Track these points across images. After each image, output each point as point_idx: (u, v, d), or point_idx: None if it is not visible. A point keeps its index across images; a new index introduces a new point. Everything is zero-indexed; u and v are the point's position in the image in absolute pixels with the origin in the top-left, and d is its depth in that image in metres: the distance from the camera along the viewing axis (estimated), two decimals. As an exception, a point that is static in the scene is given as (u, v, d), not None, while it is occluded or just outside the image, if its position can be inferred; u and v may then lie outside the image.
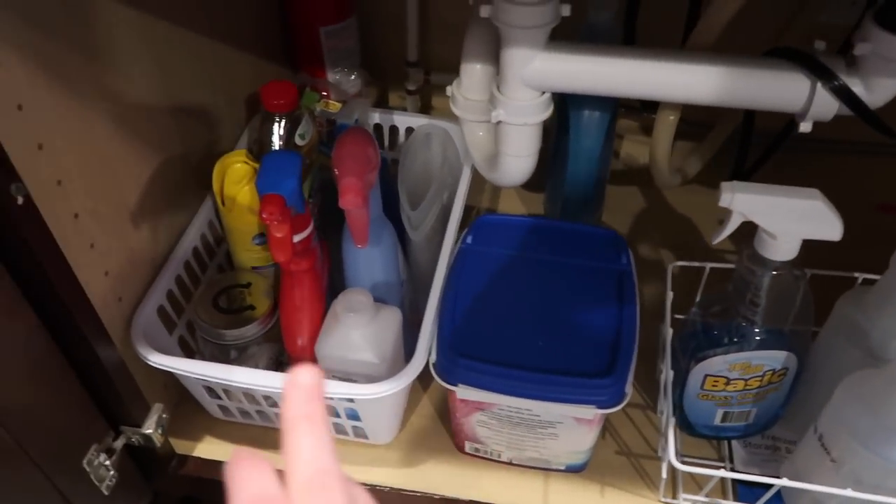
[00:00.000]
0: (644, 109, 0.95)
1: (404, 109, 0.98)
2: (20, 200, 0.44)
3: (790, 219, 0.53)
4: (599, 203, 0.85)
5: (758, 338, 0.60)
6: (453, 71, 0.95)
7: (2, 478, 0.51)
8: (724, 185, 0.53)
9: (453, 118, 0.79)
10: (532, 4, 0.55)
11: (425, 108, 1.01)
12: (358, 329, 0.61)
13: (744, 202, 0.53)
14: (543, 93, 0.61)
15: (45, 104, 0.49)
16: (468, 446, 0.68)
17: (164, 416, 0.64)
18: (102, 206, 0.57)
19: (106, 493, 0.61)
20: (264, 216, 0.54)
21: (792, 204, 0.53)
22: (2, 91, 0.44)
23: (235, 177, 0.66)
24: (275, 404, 0.65)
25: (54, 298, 0.49)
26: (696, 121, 0.84)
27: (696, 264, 0.67)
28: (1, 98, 0.44)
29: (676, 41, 0.84)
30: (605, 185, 0.83)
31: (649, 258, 0.86)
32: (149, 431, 0.63)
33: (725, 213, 0.55)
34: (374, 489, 0.67)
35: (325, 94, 0.81)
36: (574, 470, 0.67)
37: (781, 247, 0.54)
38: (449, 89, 0.70)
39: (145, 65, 0.61)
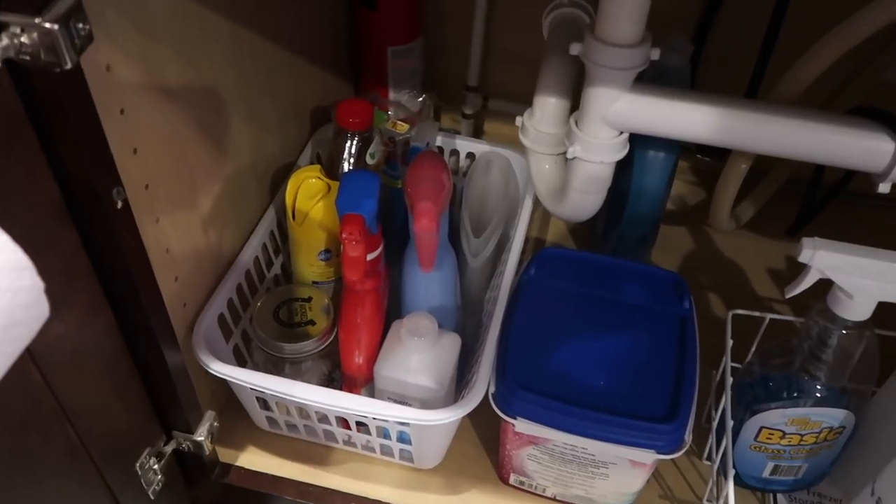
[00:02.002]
0: (699, 152, 0.95)
1: (457, 132, 0.98)
2: (119, 205, 0.44)
3: (869, 279, 0.53)
4: (653, 242, 0.85)
5: (818, 394, 0.59)
6: (511, 98, 0.96)
7: (62, 474, 0.51)
8: (805, 240, 0.53)
9: (511, 145, 0.80)
10: (625, 47, 0.55)
11: (478, 133, 1.02)
12: (419, 353, 0.61)
13: (824, 259, 0.53)
14: (621, 133, 0.62)
15: (143, 108, 0.49)
16: (513, 478, 0.67)
17: (215, 424, 0.64)
18: (180, 212, 0.57)
19: (152, 497, 0.61)
20: (344, 236, 0.54)
21: (873, 265, 0.52)
22: (109, 94, 0.45)
23: (310, 192, 0.66)
24: (325, 420, 0.65)
25: (135, 301, 0.50)
26: (751, 167, 0.85)
27: (757, 314, 0.67)
28: (108, 101, 0.45)
29: (737, 89, 0.85)
30: (660, 224, 0.83)
31: (697, 300, 0.85)
32: (200, 438, 0.63)
33: (802, 268, 0.55)
34: (416, 514, 0.66)
35: (389, 113, 0.81)
36: (617, 511, 0.67)
37: (856, 307, 0.54)
38: (518, 119, 0.71)
39: (232, 73, 0.62)
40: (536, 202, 0.75)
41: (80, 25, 0.37)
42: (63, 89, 0.39)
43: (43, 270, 0.30)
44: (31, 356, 0.43)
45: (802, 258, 0.53)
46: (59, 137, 0.41)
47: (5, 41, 0.35)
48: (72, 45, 0.36)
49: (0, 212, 0.31)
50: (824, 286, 0.55)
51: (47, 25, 0.35)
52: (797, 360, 0.60)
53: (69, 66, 0.36)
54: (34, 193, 0.41)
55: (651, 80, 0.68)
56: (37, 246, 0.40)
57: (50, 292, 0.31)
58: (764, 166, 0.85)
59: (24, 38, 0.35)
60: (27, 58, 0.36)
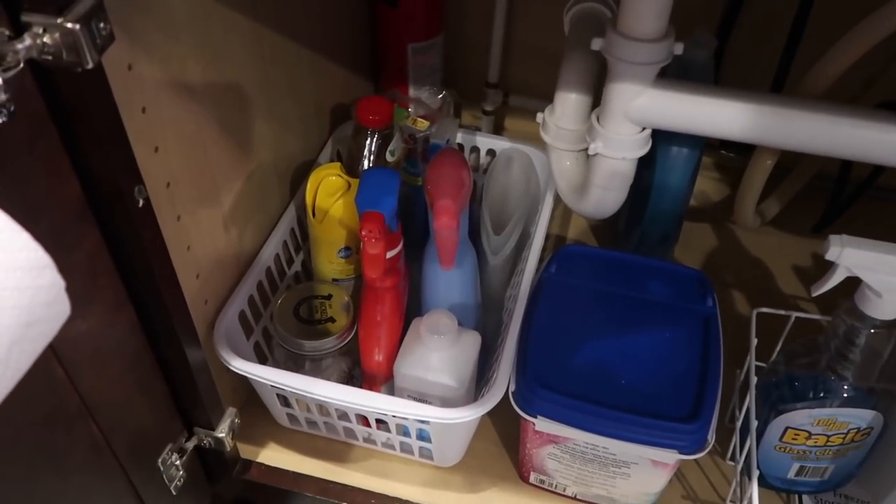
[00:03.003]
0: (723, 147, 0.94)
1: (477, 128, 0.98)
2: (141, 203, 0.45)
3: (899, 278, 0.52)
4: (676, 239, 0.84)
5: (846, 394, 0.58)
6: (532, 94, 0.96)
7: (86, 470, 0.51)
8: (833, 237, 0.52)
9: (531, 142, 0.79)
10: (648, 41, 0.54)
11: (498, 129, 1.01)
12: (439, 351, 0.60)
13: (852, 257, 0.52)
14: (644, 129, 0.61)
15: (165, 107, 0.50)
16: (533, 477, 0.67)
17: (236, 420, 0.65)
18: (201, 210, 0.58)
19: (174, 493, 0.62)
20: (364, 233, 0.54)
21: (902, 263, 0.51)
22: (131, 93, 0.45)
23: (329, 189, 0.66)
24: (345, 417, 0.65)
25: (157, 299, 0.50)
26: (777, 163, 0.83)
27: (782, 312, 0.66)
28: (130, 100, 0.45)
29: (762, 84, 0.84)
30: (683, 221, 0.82)
31: (721, 298, 0.84)
32: (221, 435, 0.63)
33: (829, 266, 0.54)
34: (436, 512, 0.66)
35: (409, 110, 0.81)
36: (639, 511, 0.66)
37: (885, 305, 0.53)
38: (539, 116, 0.70)
39: (254, 71, 0.62)
40: (557, 199, 0.75)
41: (102, 25, 0.37)
42: (85, 88, 0.39)
43: (66, 269, 0.31)
44: (54, 353, 0.43)
45: (829, 255, 0.52)
46: (81, 136, 0.41)
47: (28, 41, 0.35)
48: (93, 44, 0.36)
49: (23, 210, 0.32)
50: (852, 284, 0.54)
51: (69, 25, 0.35)
52: (823, 360, 0.59)
53: (91, 65, 0.37)
54: (57, 192, 0.41)
55: (674, 75, 0.67)
56: (60, 244, 0.41)
57: (73, 291, 0.32)
58: (790, 162, 0.84)
59: (46, 39, 0.35)
60: (49, 58, 0.36)
